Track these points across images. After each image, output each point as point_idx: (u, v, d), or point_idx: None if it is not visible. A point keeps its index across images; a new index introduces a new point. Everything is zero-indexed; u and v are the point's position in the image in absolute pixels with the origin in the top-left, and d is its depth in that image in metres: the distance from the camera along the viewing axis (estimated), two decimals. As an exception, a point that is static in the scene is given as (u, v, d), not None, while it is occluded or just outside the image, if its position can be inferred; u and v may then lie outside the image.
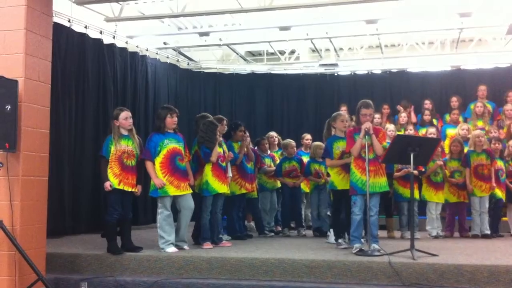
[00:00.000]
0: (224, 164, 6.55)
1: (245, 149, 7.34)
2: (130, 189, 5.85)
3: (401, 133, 8.65)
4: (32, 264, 4.83)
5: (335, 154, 6.26)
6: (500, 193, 7.80)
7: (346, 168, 6.13)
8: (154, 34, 10.37)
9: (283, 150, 8.38)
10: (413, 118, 9.60)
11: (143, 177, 6.08)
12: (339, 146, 6.25)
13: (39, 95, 5.30)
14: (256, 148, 8.17)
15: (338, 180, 6.24)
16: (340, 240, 6.33)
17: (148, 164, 5.96)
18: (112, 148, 5.78)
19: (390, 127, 8.28)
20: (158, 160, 5.96)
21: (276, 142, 8.72)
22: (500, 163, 7.89)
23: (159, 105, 8.90)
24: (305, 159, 8.23)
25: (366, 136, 5.72)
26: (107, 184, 5.72)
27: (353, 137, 5.89)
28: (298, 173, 8.06)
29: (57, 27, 7.45)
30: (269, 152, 8.41)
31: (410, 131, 8.76)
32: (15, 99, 4.93)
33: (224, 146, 6.73)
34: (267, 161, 8.20)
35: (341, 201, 6.30)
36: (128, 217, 5.94)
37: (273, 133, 8.89)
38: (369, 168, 5.66)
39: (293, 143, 8.27)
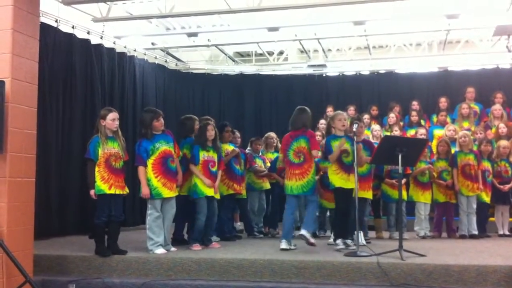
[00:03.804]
0: (214, 169, 6.46)
1: (234, 153, 7.35)
2: (121, 192, 5.78)
3: (388, 133, 8.70)
4: (19, 266, 4.78)
5: None
6: (485, 197, 7.86)
7: (344, 167, 6.19)
8: (142, 34, 10.34)
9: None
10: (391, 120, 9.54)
11: (132, 179, 6.02)
12: (337, 145, 6.26)
13: (26, 95, 5.24)
14: (248, 148, 8.16)
15: (336, 178, 6.24)
16: (338, 241, 6.21)
17: (141, 169, 5.91)
18: (100, 151, 5.66)
19: (376, 127, 8.31)
20: (150, 161, 5.92)
21: (275, 144, 8.53)
22: (487, 164, 7.95)
23: (147, 105, 8.85)
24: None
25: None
26: (92, 193, 5.63)
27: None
28: None
29: (44, 27, 7.40)
30: (260, 153, 8.37)
31: (396, 132, 8.80)
32: (2, 100, 4.88)
33: (212, 152, 6.52)
34: (258, 161, 8.12)
35: (344, 201, 6.20)
36: (120, 219, 5.86)
37: (273, 134, 8.69)
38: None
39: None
